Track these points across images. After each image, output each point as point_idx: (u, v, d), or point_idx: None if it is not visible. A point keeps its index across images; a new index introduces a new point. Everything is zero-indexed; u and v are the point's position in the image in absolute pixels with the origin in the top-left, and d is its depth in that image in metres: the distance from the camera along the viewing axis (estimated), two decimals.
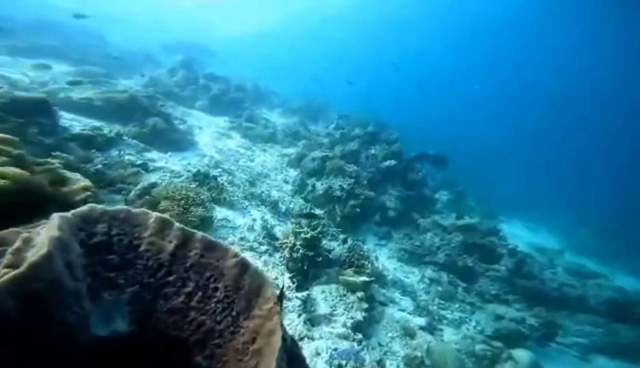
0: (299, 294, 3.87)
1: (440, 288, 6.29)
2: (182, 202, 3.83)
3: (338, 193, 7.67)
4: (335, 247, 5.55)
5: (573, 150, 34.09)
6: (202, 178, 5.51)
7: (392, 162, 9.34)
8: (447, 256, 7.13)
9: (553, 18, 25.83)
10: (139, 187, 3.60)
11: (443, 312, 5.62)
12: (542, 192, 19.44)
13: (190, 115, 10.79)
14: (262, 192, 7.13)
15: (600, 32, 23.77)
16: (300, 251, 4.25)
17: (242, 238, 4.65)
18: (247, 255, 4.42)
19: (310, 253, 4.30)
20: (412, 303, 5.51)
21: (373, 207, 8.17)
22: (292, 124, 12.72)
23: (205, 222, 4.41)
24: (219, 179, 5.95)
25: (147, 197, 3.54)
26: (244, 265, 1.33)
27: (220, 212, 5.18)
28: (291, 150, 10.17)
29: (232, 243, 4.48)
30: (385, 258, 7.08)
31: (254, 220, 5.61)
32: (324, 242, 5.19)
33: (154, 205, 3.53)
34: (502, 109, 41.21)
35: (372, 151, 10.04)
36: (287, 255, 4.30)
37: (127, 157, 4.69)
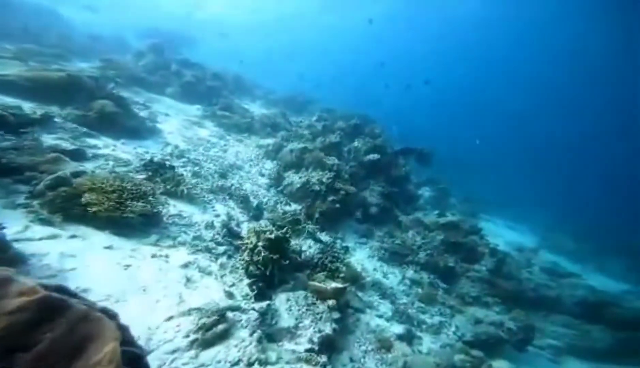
0: (258, 305, 3.30)
1: (420, 290, 5.93)
2: (115, 194, 3.13)
3: (317, 187, 7.11)
4: (312, 245, 4.99)
5: (555, 152, 35.35)
6: (155, 167, 4.79)
7: (376, 156, 8.87)
8: (428, 256, 6.78)
9: (539, 19, 26.20)
10: (53, 176, 2.86)
11: (422, 317, 5.25)
12: (523, 192, 19.85)
13: (158, 101, 9.84)
14: (233, 184, 6.47)
15: (588, 32, 24.28)
16: (263, 253, 3.67)
17: (196, 237, 4.01)
18: (200, 258, 3.77)
19: (275, 256, 3.73)
20: (390, 308, 5.10)
21: (354, 203, 7.68)
22: (272, 115, 11.99)
23: (150, 219, 3.73)
24: (177, 170, 5.24)
25: (64, 188, 2.82)
26: (48, 306, 0.74)
27: (174, 207, 4.51)
28: (269, 141, 9.49)
29: (183, 243, 3.83)
30: (365, 258, 6.64)
31: (217, 216, 4.97)
32: (294, 242, 4.62)
33: (72, 199, 2.82)
34: (488, 109, 42.07)
35: (355, 144, 9.53)
36: (247, 258, 3.70)
37: (55, 142, 3.89)
